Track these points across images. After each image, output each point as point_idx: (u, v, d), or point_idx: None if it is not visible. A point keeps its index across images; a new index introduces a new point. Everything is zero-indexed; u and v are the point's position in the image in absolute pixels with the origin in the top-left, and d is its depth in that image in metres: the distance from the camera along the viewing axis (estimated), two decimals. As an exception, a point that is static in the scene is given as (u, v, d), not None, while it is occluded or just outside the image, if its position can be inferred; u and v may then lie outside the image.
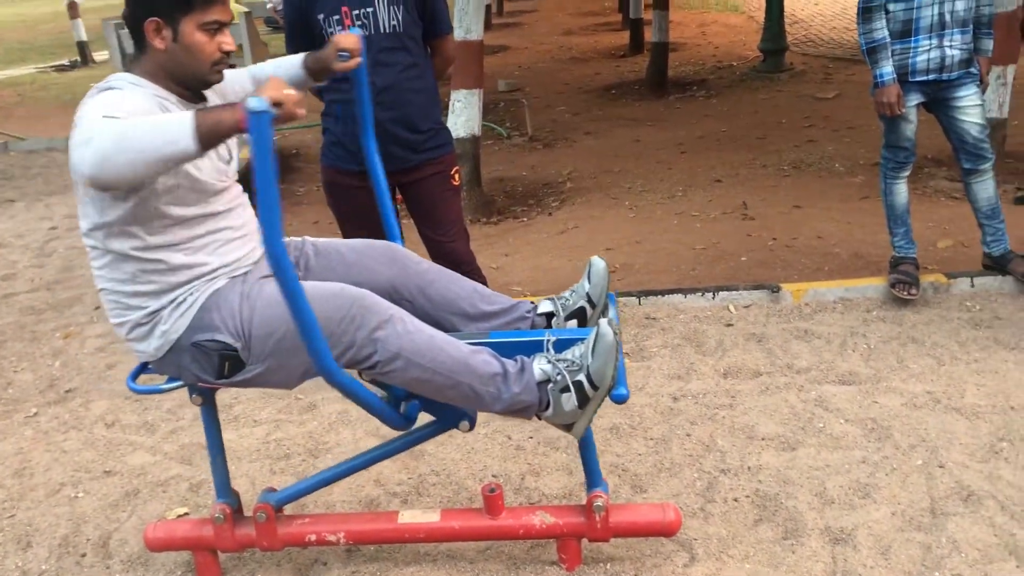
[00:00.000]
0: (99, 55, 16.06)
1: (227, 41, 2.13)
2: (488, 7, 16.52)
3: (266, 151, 1.68)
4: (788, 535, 2.61)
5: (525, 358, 2.20)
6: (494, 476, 3.01)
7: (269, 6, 15.63)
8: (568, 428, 2.21)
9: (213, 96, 2.29)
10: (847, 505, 2.72)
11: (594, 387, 2.11)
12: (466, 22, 5.48)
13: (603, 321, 2.11)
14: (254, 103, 1.67)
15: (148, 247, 2.09)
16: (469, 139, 5.73)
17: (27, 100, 13.06)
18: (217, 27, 2.10)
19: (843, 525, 2.62)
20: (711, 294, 4.21)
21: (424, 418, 2.45)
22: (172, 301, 2.14)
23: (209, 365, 2.15)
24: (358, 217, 3.35)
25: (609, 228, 5.48)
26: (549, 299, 2.43)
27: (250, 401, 3.60)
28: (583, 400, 2.13)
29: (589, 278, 2.39)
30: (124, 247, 2.08)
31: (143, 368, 2.30)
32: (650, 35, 10.03)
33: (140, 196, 2.03)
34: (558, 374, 2.14)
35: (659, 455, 3.06)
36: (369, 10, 3.06)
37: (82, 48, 16.23)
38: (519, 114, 8.85)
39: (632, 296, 4.25)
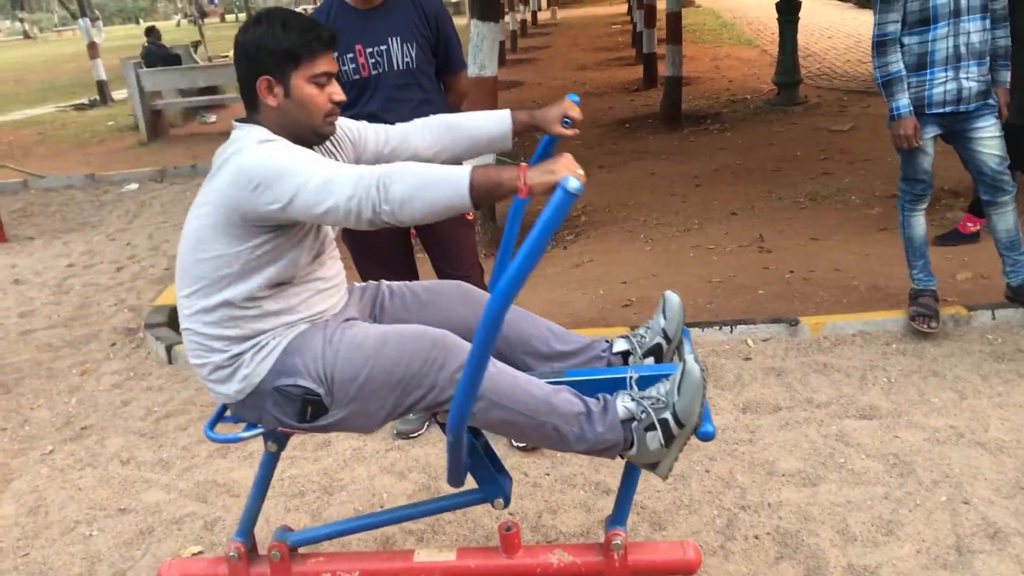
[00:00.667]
0: (118, 94, 16.29)
1: (336, 92, 2.15)
2: (502, 43, 16.67)
3: (557, 223, 1.71)
4: (810, 573, 2.56)
5: (608, 396, 2.15)
6: (511, 514, 2.98)
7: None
8: (653, 467, 2.15)
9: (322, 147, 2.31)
10: (870, 542, 2.67)
11: (680, 425, 2.05)
12: (481, 58, 5.52)
13: (689, 357, 2.06)
14: (574, 184, 1.69)
15: (247, 295, 2.09)
16: (484, 174, 5.73)
17: (47, 138, 13.24)
18: (326, 79, 2.12)
19: (867, 563, 2.57)
20: (729, 328, 4.18)
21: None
22: (255, 345, 2.13)
23: (292, 410, 2.13)
24: (373, 253, 3.35)
25: (624, 261, 5.46)
26: (624, 337, 2.38)
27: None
28: (668, 438, 2.08)
29: (664, 313, 2.34)
30: (227, 287, 2.08)
31: (220, 415, 2.29)
32: (664, 69, 10.08)
33: (283, 239, 2.06)
34: (643, 412, 2.09)
35: (678, 492, 3.02)
36: (383, 48, 3.08)
37: (101, 87, 16.48)
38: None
39: (648, 330, 4.22)
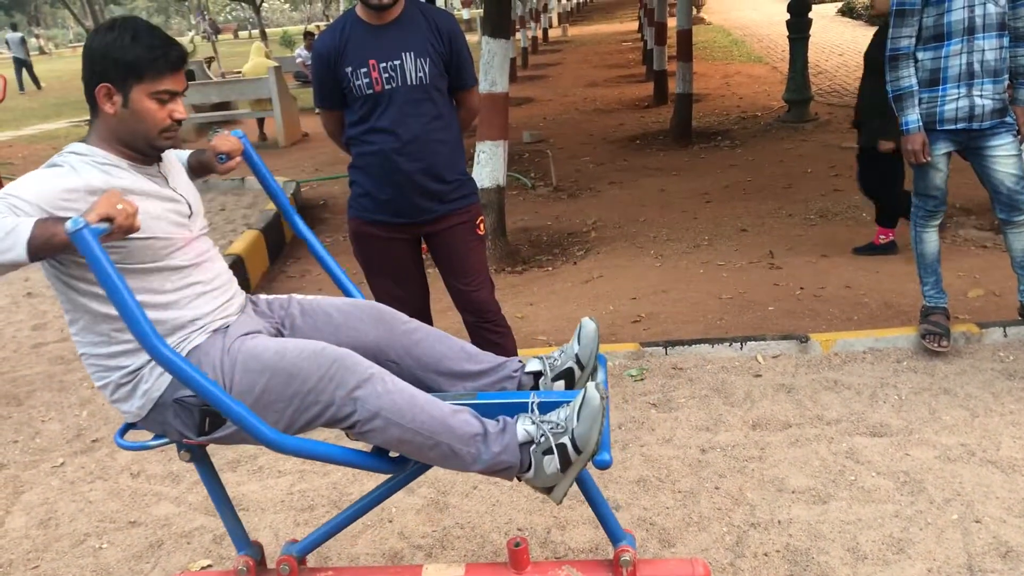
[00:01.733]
0: (132, 109, 16.38)
1: (178, 110, 2.16)
2: (513, 60, 16.74)
3: (99, 265, 1.77)
4: (821, 592, 2.55)
5: (508, 418, 2.18)
6: (519, 529, 2.98)
7: (299, 60, 15.94)
8: (548, 491, 2.17)
9: (168, 158, 2.33)
10: (881, 561, 2.65)
11: (577, 451, 2.07)
12: (492, 75, 5.55)
13: (590, 385, 2.08)
14: (69, 224, 1.76)
15: (110, 314, 2.10)
16: (494, 189, 5.76)
17: (58, 153, 13.31)
18: (168, 96, 2.13)
19: (877, 582, 2.56)
20: (739, 344, 4.17)
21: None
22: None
23: (191, 421, 2.15)
24: (384, 269, 3.36)
25: (634, 277, 5.46)
26: (538, 358, 2.41)
27: (274, 452, 3.59)
28: (565, 463, 2.10)
29: (579, 339, 2.35)
30: (92, 307, 2.10)
31: (131, 425, 2.30)
32: (674, 86, 10.11)
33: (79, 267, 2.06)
34: (541, 435, 2.11)
35: (687, 508, 3.01)
36: (396, 62, 3.10)
37: (115, 102, 16.57)
38: (544, 165, 8.91)
39: (658, 346, 4.22)
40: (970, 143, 3.76)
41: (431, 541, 2.95)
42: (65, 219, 1.83)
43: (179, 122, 2.18)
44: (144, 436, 2.27)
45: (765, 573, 2.65)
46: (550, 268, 5.91)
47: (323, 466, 3.50)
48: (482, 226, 3.43)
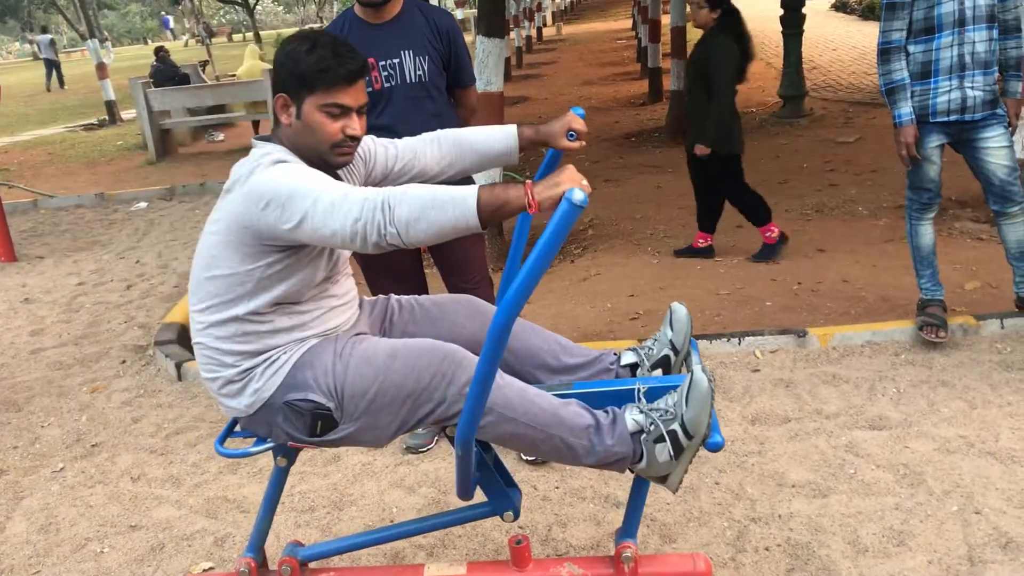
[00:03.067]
0: (127, 113, 16.41)
1: (352, 126, 2.13)
2: (508, 59, 16.73)
3: (563, 236, 1.70)
4: (822, 585, 2.55)
5: (616, 409, 2.16)
6: (520, 527, 2.98)
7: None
8: (663, 480, 2.15)
9: (348, 168, 2.33)
10: (882, 553, 2.66)
11: (689, 436, 2.05)
12: (486, 74, 5.55)
13: (697, 368, 2.06)
14: (579, 196, 1.69)
15: (259, 311, 2.11)
16: (490, 188, 5.76)
17: (57, 159, 13.33)
18: (340, 111, 2.11)
19: (878, 574, 2.56)
20: (737, 340, 4.18)
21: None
22: (266, 360, 2.14)
23: (302, 424, 2.14)
24: (383, 268, 3.37)
25: (632, 275, 5.47)
26: (631, 349, 2.39)
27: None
28: (678, 450, 2.07)
29: (671, 325, 2.34)
30: (249, 301, 2.10)
31: (231, 430, 2.30)
32: (669, 83, 10.11)
33: (296, 258, 2.08)
34: (651, 424, 2.08)
35: (688, 504, 3.01)
36: (395, 61, 3.11)
37: (110, 107, 16.62)
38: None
39: (657, 343, 4.22)
40: (962, 135, 3.77)
41: (432, 540, 2.96)
42: (511, 185, 1.84)
43: (354, 139, 2.15)
44: (244, 444, 2.27)
45: (766, 567, 2.65)
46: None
47: (323, 467, 3.50)
48: (480, 226, 3.43)
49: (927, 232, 3.99)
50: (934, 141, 3.79)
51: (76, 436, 4.03)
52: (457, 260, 3.37)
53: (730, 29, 5.21)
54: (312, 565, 2.54)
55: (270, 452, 2.30)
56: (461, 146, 2.45)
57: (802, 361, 4.00)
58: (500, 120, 5.82)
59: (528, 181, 1.87)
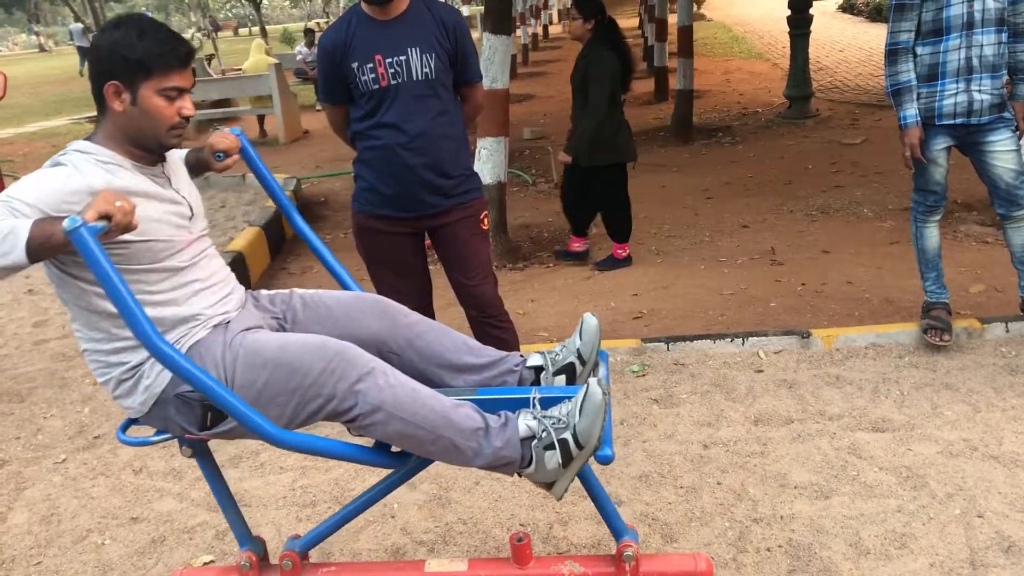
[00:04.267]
0: (132, 106, 16.38)
1: (187, 106, 2.16)
2: (514, 56, 16.73)
3: (97, 264, 1.77)
4: (823, 587, 2.55)
5: (510, 413, 2.18)
6: (522, 525, 2.98)
7: (299, 57, 15.94)
8: (549, 487, 2.17)
9: (172, 158, 2.32)
10: (883, 556, 2.65)
11: (579, 446, 2.07)
12: (492, 71, 5.54)
13: (592, 380, 2.08)
14: (67, 223, 1.76)
15: (113, 312, 2.09)
16: (495, 185, 5.76)
17: (61, 151, 13.31)
18: (177, 93, 2.13)
19: (880, 576, 2.56)
20: (740, 340, 4.17)
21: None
22: None
23: (192, 416, 2.15)
24: (388, 263, 3.36)
25: (636, 274, 5.46)
26: (539, 353, 2.41)
27: (276, 448, 3.59)
28: (567, 459, 2.09)
29: (581, 335, 2.35)
30: (92, 304, 2.10)
31: (133, 420, 2.30)
32: (675, 83, 10.10)
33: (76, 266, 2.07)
34: (543, 431, 2.11)
35: (689, 504, 3.01)
36: (402, 58, 3.10)
37: (116, 99, 16.58)
38: (544, 161, 8.91)
39: (660, 342, 4.22)
40: (968, 138, 3.76)
41: (433, 536, 2.96)
42: (62, 218, 1.83)
43: (187, 119, 2.17)
44: (146, 432, 2.27)
45: (767, 568, 2.65)
46: (551, 264, 5.91)
47: (325, 462, 3.50)
48: (486, 221, 3.43)
49: (932, 235, 3.98)
50: (940, 143, 3.78)
51: (78, 428, 4.03)
52: (461, 257, 3.37)
53: (606, 39, 5.28)
54: (313, 559, 2.54)
55: (268, 448, 2.29)
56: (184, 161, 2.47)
57: (805, 362, 4.00)
58: (505, 117, 5.82)
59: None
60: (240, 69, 17.06)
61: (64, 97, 22.34)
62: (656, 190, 7.66)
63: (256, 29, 43.87)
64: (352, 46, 3.12)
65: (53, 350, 5.05)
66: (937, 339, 3.90)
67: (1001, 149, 3.70)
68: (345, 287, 2.64)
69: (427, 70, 3.12)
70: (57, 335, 5.30)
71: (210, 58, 18.25)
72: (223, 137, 2.44)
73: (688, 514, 2.95)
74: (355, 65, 3.11)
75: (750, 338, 4.17)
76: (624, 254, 5.64)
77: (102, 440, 3.88)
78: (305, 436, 2.11)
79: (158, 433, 2.25)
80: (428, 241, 3.42)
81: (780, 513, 2.91)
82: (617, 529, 2.37)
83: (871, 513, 2.86)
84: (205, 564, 2.91)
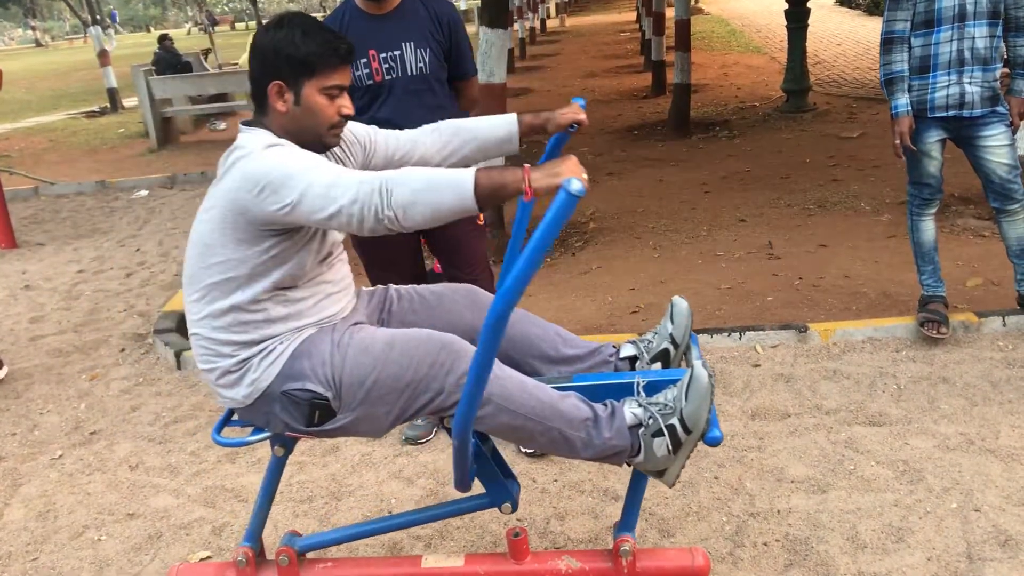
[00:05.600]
0: (128, 101, 16.37)
1: (346, 105, 2.16)
2: (511, 50, 16.70)
3: (559, 226, 1.69)
4: (820, 581, 2.55)
5: (615, 402, 2.15)
6: (519, 520, 2.97)
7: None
8: (660, 475, 2.14)
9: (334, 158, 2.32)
10: (880, 550, 2.65)
11: (687, 431, 2.04)
12: (489, 65, 5.53)
13: (697, 363, 2.05)
14: (576, 186, 1.67)
15: (255, 299, 2.10)
16: (492, 180, 5.74)
17: (58, 146, 13.31)
18: (338, 91, 2.13)
19: (876, 570, 2.56)
20: (737, 334, 4.17)
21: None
22: (263, 350, 2.13)
23: (299, 414, 2.13)
24: (384, 260, 3.35)
25: (633, 268, 5.46)
26: (631, 342, 2.38)
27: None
28: (676, 444, 2.06)
29: (672, 319, 2.33)
30: (243, 291, 2.09)
31: (228, 419, 2.29)
32: (672, 76, 10.08)
33: (291, 241, 2.07)
34: (650, 418, 2.08)
35: (686, 498, 3.01)
36: (396, 53, 3.09)
37: (112, 94, 16.58)
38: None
39: (657, 336, 4.21)
40: (962, 132, 3.75)
41: (430, 532, 2.95)
42: (511, 169, 1.84)
43: (347, 117, 2.17)
44: (242, 433, 2.27)
45: (764, 562, 2.65)
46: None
47: (322, 457, 3.50)
48: (482, 217, 3.42)
49: (928, 228, 3.98)
50: (933, 136, 3.77)
51: (75, 424, 4.03)
52: (457, 252, 3.36)
53: None
54: (310, 555, 2.53)
55: (267, 441, 2.29)
56: (461, 134, 2.45)
57: (803, 356, 3.99)
58: (502, 111, 5.80)
59: (527, 166, 1.86)
60: (237, 63, 17.03)
61: (61, 92, 22.29)
62: (653, 184, 7.65)
63: (253, 23, 43.76)
64: None
65: (50, 346, 5.04)
66: (934, 332, 3.90)
67: (994, 144, 3.70)
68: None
69: (421, 65, 3.11)
70: (54, 331, 5.29)
71: (207, 52, 18.21)
72: (580, 110, 2.40)
73: (685, 509, 2.95)
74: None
75: (747, 332, 4.17)
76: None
77: (98, 436, 3.88)
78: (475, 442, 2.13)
79: (256, 431, 2.24)
80: (423, 237, 3.41)
81: (777, 507, 2.91)
82: (629, 524, 2.36)
83: (868, 507, 2.86)
84: (202, 560, 2.91)
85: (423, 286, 2.47)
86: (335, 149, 2.31)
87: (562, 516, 2.98)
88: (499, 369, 2.10)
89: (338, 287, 2.27)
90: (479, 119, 2.46)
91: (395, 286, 2.47)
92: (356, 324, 2.23)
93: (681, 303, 2.33)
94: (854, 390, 3.64)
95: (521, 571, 2.36)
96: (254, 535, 2.47)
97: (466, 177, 1.85)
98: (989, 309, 4.19)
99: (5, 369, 4.64)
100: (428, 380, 2.07)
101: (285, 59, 2.08)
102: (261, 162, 1.97)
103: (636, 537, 2.41)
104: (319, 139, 2.15)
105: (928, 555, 2.61)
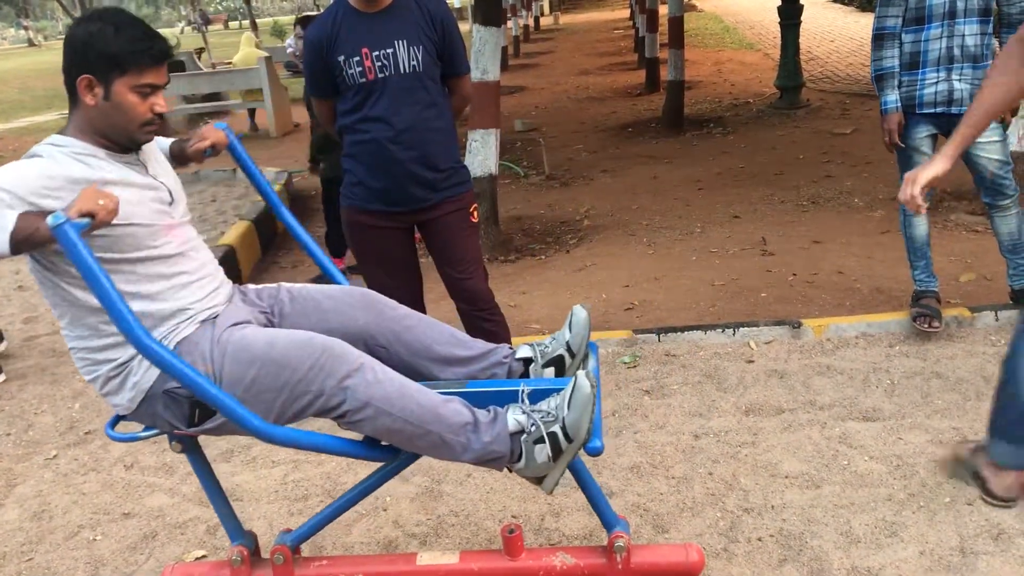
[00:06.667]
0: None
1: (159, 103, 2.15)
2: (505, 48, 16.70)
3: (81, 260, 1.77)
4: (813, 575, 2.56)
5: (499, 408, 2.18)
6: (513, 517, 2.98)
7: (289, 51, 15.85)
8: (539, 481, 2.18)
9: (150, 148, 2.32)
10: (874, 544, 2.66)
11: (568, 439, 2.07)
12: (483, 63, 5.53)
13: (580, 373, 2.07)
14: (51, 219, 1.76)
15: (99, 307, 2.08)
16: (486, 178, 5.75)
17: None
18: (150, 90, 2.12)
19: (870, 565, 2.57)
20: (731, 330, 4.18)
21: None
22: None
23: (180, 413, 2.15)
24: (378, 257, 3.35)
25: (627, 265, 5.46)
26: (528, 345, 2.41)
27: (267, 443, 3.59)
28: (556, 452, 2.09)
29: (570, 327, 2.35)
30: (78, 300, 2.09)
31: (121, 417, 2.29)
32: (666, 73, 10.10)
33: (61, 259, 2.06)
34: (532, 425, 2.11)
35: (681, 494, 3.02)
36: (389, 51, 3.08)
37: (105, 94, 16.50)
38: (536, 153, 8.90)
39: (651, 333, 4.22)
40: (952, 128, 3.75)
41: (425, 529, 2.96)
42: (47, 213, 1.84)
43: (160, 116, 2.16)
44: (135, 427, 2.27)
45: (759, 558, 2.65)
46: (543, 257, 5.91)
47: (317, 456, 3.50)
48: (475, 213, 3.42)
49: (921, 223, 3.99)
50: (923, 132, 3.79)
51: (69, 423, 4.02)
52: (451, 250, 3.36)
53: None
54: (305, 553, 2.54)
55: (260, 443, 2.29)
56: (165, 151, 2.50)
57: (796, 352, 4.00)
58: (496, 109, 5.81)
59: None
60: (230, 62, 16.99)
61: (53, 92, 22.20)
62: (647, 181, 7.66)
63: (246, 22, 43.69)
64: (338, 39, 3.10)
65: (43, 346, 5.04)
66: (926, 326, 3.91)
67: (985, 140, 3.70)
68: (333, 280, 2.64)
69: (414, 63, 3.11)
70: (47, 331, 5.28)
71: (200, 51, 18.16)
72: (211, 131, 2.45)
73: (679, 504, 2.96)
74: (341, 59, 3.09)
75: (741, 328, 4.18)
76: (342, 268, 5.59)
77: (93, 436, 3.87)
78: (293, 431, 2.11)
79: (146, 429, 2.25)
80: (418, 235, 3.41)
81: (771, 503, 2.92)
82: (608, 520, 2.37)
83: (861, 502, 2.87)
84: (197, 559, 2.91)
85: (319, 287, 2.46)
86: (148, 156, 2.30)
87: (557, 513, 2.98)
88: (381, 373, 2.12)
89: (196, 275, 2.25)
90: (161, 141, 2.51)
91: (288, 286, 2.46)
92: (238, 324, 2.22)
93: (580, 312, 2.34)
94: (847, 385, 3.65)
95: (516, 568, 2.37)
96: (236, 533, 2.46)
97: (5, 224, 1.86)
98: (982, 304, 4.20)
99: (4, 343, 4.74)
100: (307, 382, 2.09)
101: (96, 54, 2.05)
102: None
103: (630, 533, 2.42)
104: (130, 136, 2.15)
105: (921, 549, 2.62)
